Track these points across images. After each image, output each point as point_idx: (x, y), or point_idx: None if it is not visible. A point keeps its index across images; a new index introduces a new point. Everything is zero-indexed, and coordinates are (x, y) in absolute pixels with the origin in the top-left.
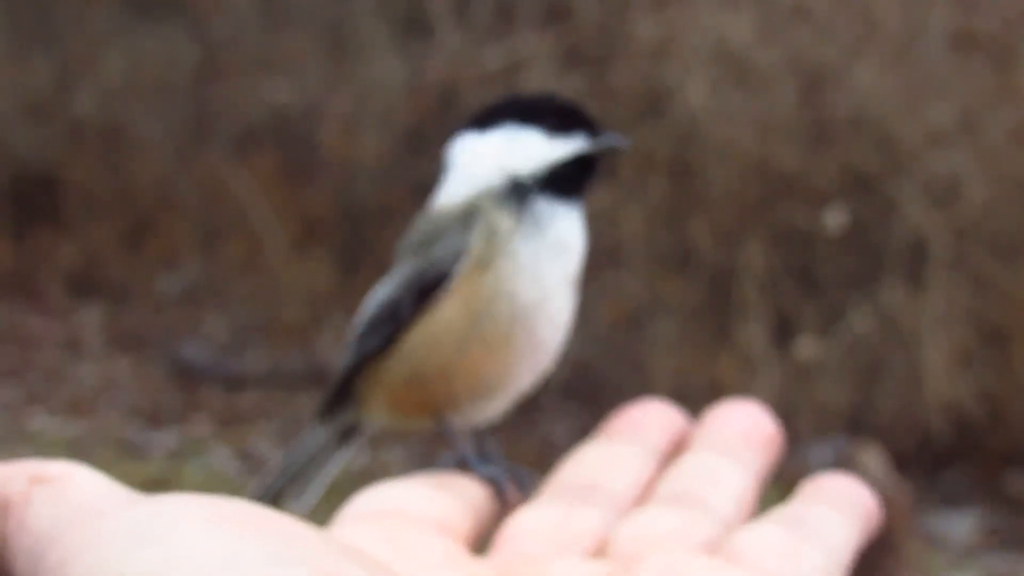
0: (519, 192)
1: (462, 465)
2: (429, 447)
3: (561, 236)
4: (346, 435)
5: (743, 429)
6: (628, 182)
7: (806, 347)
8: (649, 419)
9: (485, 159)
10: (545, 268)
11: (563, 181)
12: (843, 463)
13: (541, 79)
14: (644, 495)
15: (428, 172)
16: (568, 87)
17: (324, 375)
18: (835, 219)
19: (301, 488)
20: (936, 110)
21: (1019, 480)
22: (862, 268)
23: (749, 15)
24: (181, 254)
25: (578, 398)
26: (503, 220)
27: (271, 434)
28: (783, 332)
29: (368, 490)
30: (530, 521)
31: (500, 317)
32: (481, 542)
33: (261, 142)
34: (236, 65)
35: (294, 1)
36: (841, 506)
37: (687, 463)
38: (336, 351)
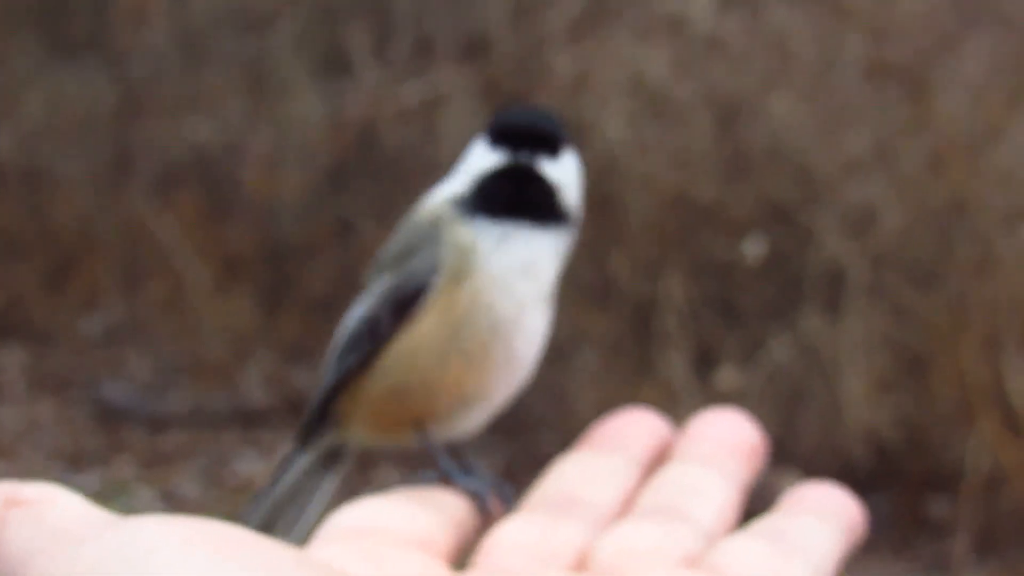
0: (461, 206)
1: (445, 479)
2: (350, 480)
3: (524, 255)
4: (331, 459)
5: (727, 438)
6: None
7: (727, 377)
8: (632, 428)
9: (463, 166)
10: (517, 283)
11: (491, 199)
12: (765, 490)
13: (461, 114)
14: (627, 507)
15: (350, 209)
16: (486, 122)
17: (248, 413)
18: (754, 249)
19: (294, 517)
20: (851, 140)
21: (939, 505)
22: (781, 297)
23: (664, 48)
24: (103, 295)
25: (501, 431)
26: (464, 234)
27: (194, 474)
28: (704, 362)
29: (347, 507)
30: (511, 535)
31: (478, 329)
32: (463, 556)
33: (182, 181)
34: (156, 104)
35: (213, 40)
36: (824, 516)
37: (670, 474)
38: (260, 388)
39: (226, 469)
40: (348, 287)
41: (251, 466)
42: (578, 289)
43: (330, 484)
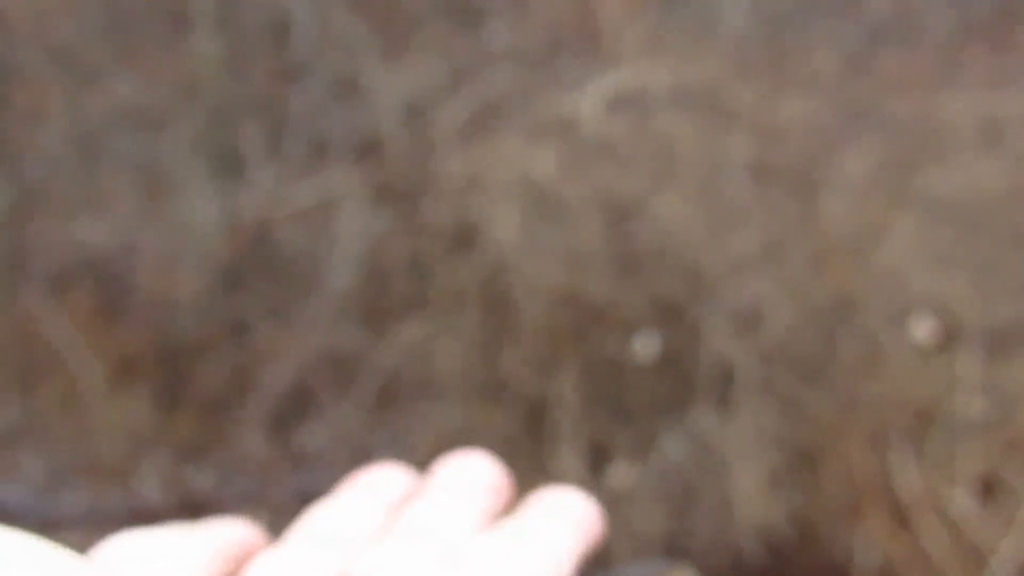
0: None
1: None
2: None
3: None
4: None
5: (470, 475)
6: (441, 315)
7: (620, 474)
8: (379, 476)
9: None
10: None
11: None
12: None
13: (354, 214)
14: (380, 536)
15: (245, 308)
16: (380, 223)
17: (144, 514)
18: (645, 347)
19: None
20: (739, 239)
21: None
22: (673, 395)
23: (553, 151)
24: None
25: None
26: None
27: None
28: (598, 459)
29: (115, 538)
30: (273, 561)
31: None
32: None
33: (76, 281)
34: (51, 204)
35: (108, 140)
36: (562, 515)
37: (416, 504)
38: (156, 488)
39: None
40: (243, 386)
41: None
42: (472, 388)
43: None
